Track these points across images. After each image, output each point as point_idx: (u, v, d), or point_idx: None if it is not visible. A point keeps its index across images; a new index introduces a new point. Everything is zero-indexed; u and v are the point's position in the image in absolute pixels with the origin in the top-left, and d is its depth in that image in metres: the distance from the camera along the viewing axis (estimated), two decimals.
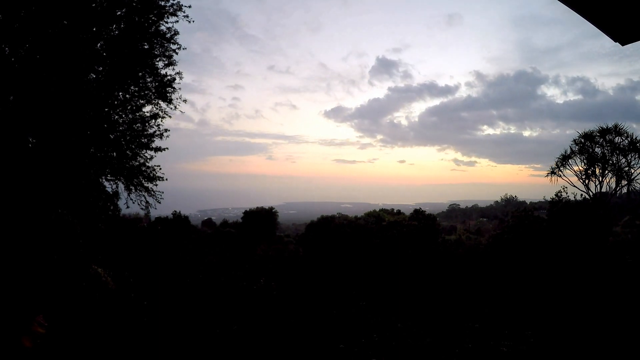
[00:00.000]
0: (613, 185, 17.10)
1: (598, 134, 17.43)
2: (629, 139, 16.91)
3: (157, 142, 12.05)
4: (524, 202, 62.62)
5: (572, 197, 17.95)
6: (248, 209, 30.09)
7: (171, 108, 11.83)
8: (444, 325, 8.28)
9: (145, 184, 12.32)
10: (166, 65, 11.44)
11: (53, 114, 9.89)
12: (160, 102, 11.70)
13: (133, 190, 12.30)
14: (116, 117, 11.70)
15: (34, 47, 9.59)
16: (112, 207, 12.93)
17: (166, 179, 12.51)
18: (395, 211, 30.86)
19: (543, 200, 20.06)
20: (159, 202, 12.72)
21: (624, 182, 16.97)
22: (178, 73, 11.66)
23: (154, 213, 15.30)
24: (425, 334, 7.86)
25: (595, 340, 6.78)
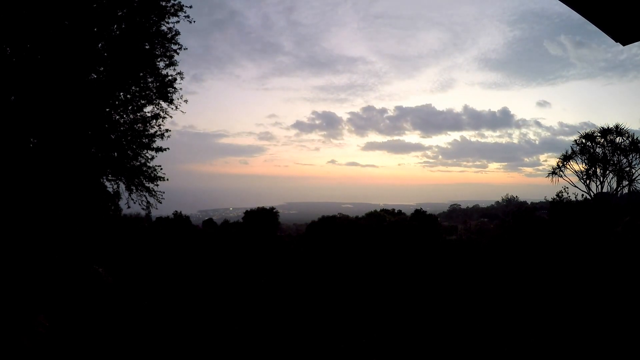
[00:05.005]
0: (614, 186, 17.08)
1: (599, 134, 17.40)
2: (630, 139, 16.89)
3: (158, 142, 12.07)
4: (524, 203, 62.48)
5: (573, 198, 17.93)
6: (249, 209, 30.04)
7: (172, 108, 11.84)
8: (445, 325, 8.27)
9: (146, 184, 12.33)
10: (167, 66, 11.46)
11: (54, 114, 9.91)
12: (161, 102, 11.71)
13: (134, 191, 12.32)
14: (117, 117, 11.72)
15: (35, 47, 9.61)
16: (113, 207, 12.95)
17: (167, 179, 12.52)
18: (396, 211, 30.87)
19: (544, 200, 20.02)
20: (160, 202, 12.73)
21: (625, 183, 16.95)
22: (179, 73, 11.68)
23: (155, 213, 15.32)
24: (426, 334, 7.86)
25: (597, 340, 6.77)
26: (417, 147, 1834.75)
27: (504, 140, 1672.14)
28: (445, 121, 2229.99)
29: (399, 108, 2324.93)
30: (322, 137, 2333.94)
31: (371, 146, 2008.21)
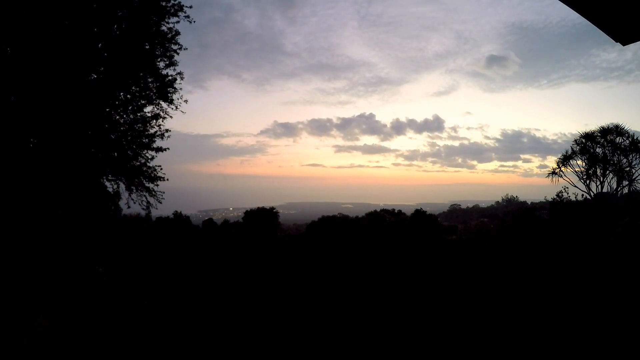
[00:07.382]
0: (614, 186, 17.09)
1: (599, 134, 17.40)
2: (630, 139, 16.90)
3: (158, 143, 12.06)
4: (524, 203, 62.53)
5: (573, 198, 17.94)
6: (249, 209, 30.02)
7: (172, 108, 11.83)
8: (446, 325, 8.27)
9: (146, 184, 12.33)
10: (167, 66, 11.46)
11: (54, 114, 9.91)
12: (162, 102, 11.71)
13: (134, 191, 12.31)
14: (117, 117, 11.71)
15: (35, 47, 9.61)
16: (113, 207, 12.95)
17: (167, 179, 12.52)
18: (396, 211, 30.83)
19: (544, 200, 20.01)
20: (160, 202, 12.73)
21: (625, 183, 16.96)
22: (179, 73, 11.66)
23: (155, 213, 15.34)
24: (427, 333, 7.86)
25: (597, 339, 6.77)
26: (385, 149, 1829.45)
27: (466, 142, 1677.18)
28: (385, 127, 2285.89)
29: (341, 118, 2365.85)
30: (292, 143, 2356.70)
31: (340, 149, 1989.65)
